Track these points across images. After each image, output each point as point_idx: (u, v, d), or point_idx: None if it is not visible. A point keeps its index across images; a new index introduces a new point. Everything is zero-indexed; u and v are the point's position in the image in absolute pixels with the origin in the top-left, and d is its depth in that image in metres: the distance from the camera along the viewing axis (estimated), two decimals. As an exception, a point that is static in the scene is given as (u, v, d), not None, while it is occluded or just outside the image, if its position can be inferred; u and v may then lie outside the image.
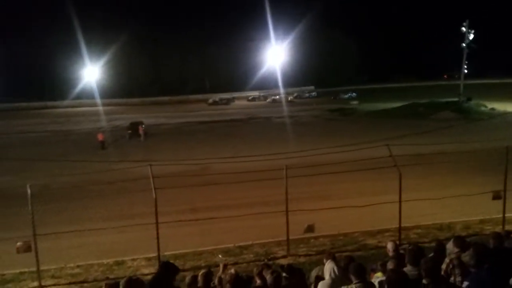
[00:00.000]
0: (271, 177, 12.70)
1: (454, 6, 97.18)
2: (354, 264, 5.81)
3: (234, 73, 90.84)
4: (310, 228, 11.45)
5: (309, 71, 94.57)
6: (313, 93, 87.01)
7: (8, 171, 24.49)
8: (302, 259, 11.22)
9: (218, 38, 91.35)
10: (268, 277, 6.16)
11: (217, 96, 77.52)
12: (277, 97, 75.57)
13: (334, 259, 6.97)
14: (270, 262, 9.29)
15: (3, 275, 11.00)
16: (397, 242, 8.83)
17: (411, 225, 13.12)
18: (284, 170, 11.34)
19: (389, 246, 7.38)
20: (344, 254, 8.90)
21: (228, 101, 75.12)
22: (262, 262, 8.86)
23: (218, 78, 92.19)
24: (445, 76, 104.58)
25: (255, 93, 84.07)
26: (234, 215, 13.02)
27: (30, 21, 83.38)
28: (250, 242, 12.40)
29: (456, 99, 52.21)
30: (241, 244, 12.32)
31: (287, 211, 11.35)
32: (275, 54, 74.61)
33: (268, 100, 76.37)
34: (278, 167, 12.34)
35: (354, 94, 78.68)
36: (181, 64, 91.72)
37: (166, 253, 11.37)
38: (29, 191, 10.12)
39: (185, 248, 12.24)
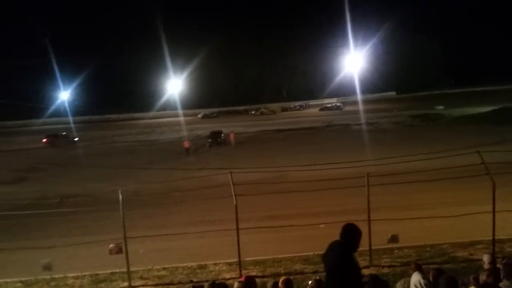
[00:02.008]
0: (350, 185, 12.42)
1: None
2: (445, 276, 5.48)
3: (312, 81, 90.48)
4: (394, 238, 10.99)
5: (391, 77, 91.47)
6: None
7: (101, 178, 26.39)
8: (385, 270, 10.80)
9: (297, 47, 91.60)
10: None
11: (208, 110, 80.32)
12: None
13: (420, 271, 6.65)
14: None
15: (97, 274, 11.80)
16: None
17: (506, 238, 12.11)
18: (366, 178, 11.00)
19: (485, 258, 6.89)
20: (432, 266, 8.41)
21: (217, 115, 77.98)
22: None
23: (295, 86, 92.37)
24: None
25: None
26: (313, 223, 12.91)
27: (119, 37, 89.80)
28: (329, 251, 12.17)
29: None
30: (320, 252, 12.10)
31: (369, 220, 10.99)
32: (354, 60, 73.13)
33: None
34: (357, 175, 12.05)
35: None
36: (259, 73, 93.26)
37: (246, 259, 11.53)
38: (120, 196, 10.79)
39: (265, 255, 12.34)
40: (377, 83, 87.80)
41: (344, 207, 16.23)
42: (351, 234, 5.07)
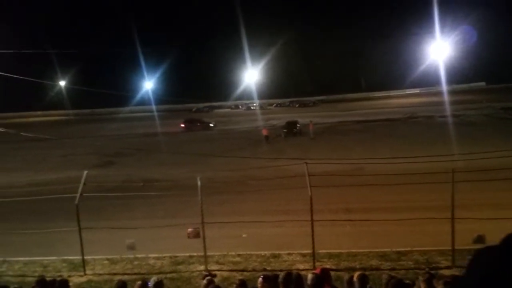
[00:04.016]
0: (432, 180, 11.82)
1: None
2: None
3: (392, 70, 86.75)
4: (480, 239, 10.30)
5: (480, 66, 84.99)
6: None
7: (182, 164, 27.48)
8: (469, 272, 10.14)
9: (377, 34, 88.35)
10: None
11: (201, 105, 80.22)
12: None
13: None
14: (433, 272, 8.60)
15: (176, 256, 12.35)
16: None
17: None
18: (451, 174, 10.36)
19: None
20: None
21: (209, 109, 77.77)
22: (423, 271, 8.28)
23: (374, 75, 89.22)
24: None
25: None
26: (391, 218, 12.45)
27: (199, 28, 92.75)
28: (409, 248, 11.69)
29: None
30: (399, 249, 11.69)
31: (452, 218, 10.38)
32: (440, 48, 68.78)
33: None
34: (440, 169, 11.43)
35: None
36: (337, 62, 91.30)
37: (320, 251, 11.43)
38: (199, 183, 11.15)
39: (339, 248, 12.14)
40: (465, 72, 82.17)
41: (425, 203, 15.54)
42: None
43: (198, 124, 51.65)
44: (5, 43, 57.05)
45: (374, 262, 10.96)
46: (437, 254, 11.29)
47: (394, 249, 11.74)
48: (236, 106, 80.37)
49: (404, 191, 16.08)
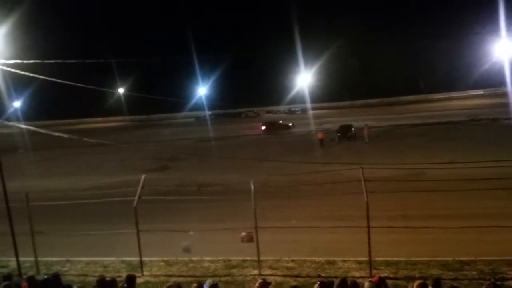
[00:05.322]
0: (498, 186, 11.16)
1: None
2: None
3: (453, 70, 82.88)
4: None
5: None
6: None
7: (235, 169, 27.72)
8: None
9: (436, 34, 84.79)
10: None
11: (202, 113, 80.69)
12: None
13: None
14: (499, 282, 8.07)
15: (230, 260, 12.43)
16: None
17: None
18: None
19: None
20: None
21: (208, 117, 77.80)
22: (488, 281, 7.78)
23: (434, 76, 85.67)
24: None
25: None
26: (453, 226, 11.86)
27: (251, 33, 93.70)
28: (472, 258, 11.06)
29: None
30: (462, 258, 11.08)
31: (519, 226, 9.73)
32: (505, 47, 64.60)
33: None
34: (506, 175, 10.75)
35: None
36: (393, 64, 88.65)
37: (376, 259, 11.08)
38: (252, 187, 11.16)
39: (397, 256, 11.71)
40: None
41: (489, 210, 14.80)
42: None
43: (278, 126, 52.80)
44: (67, 52, 60.51)
45: (435, 271, 10.46)
46: (503, 264, 10.62)
47: (456, 258, 11.16)
48: (247, 115, 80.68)
49: (466, 198, 15.33)
